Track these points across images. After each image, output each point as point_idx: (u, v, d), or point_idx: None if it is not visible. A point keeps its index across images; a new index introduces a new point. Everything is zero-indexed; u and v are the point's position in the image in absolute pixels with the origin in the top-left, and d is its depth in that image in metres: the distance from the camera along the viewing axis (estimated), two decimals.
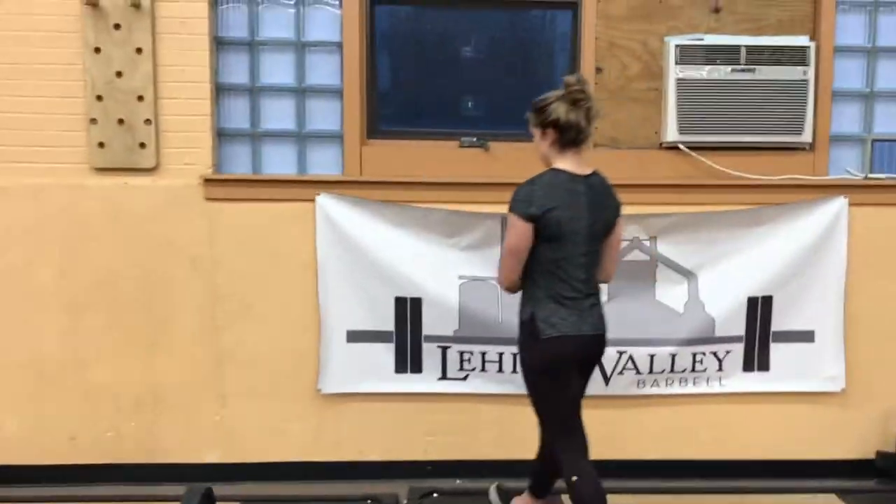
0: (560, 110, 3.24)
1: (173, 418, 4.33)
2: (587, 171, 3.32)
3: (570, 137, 3.27)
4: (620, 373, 4.30)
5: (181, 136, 4.23)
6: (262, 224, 4.28)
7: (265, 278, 4.30)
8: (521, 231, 3.22)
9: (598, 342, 3.39)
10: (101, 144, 4.19)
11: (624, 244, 4.20)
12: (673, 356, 4.30)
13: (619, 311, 4.16)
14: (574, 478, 3.31)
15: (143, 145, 4.21)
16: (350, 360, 4.26)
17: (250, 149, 4.39)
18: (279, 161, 4.41)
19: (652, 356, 4.30)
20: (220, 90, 4.33)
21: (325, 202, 4.20)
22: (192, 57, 4.20)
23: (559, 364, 3.30)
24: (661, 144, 4.36)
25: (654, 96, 4.35)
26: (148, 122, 4.19)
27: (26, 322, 4.25)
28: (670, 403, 4.41)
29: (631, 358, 4.29)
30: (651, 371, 4.31)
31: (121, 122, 4.17)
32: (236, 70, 4.35)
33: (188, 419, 4.34)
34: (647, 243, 4.28)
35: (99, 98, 4.16)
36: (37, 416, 4.29)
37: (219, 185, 4.25)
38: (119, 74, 4.16)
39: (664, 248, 4.29)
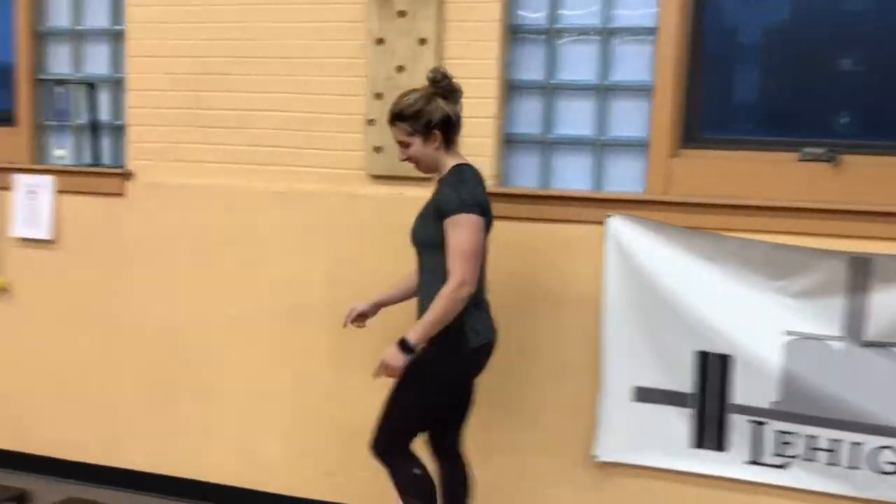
0: (442, 107, 3.10)
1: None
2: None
3: (455, 132, 3.15)
4: None
5: (463, 141, 3.67)
6: (542, 249, 3.58)
7: (540, 313, 3.59)
8: (480, 228, 3.03)
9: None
10: (377, 149, 3.75)
11: None
12: None
13: None
14: (417, 470, 3.22)
15: None
16: (635, 424, 3.41)
17: (539, 158, 3.74)
18: (572, 173, 3.68)
19: None
20: (511, 88, 3.73)
21: (618, 226, 3.41)
22: (480, 49, 3.62)
23: (474, 374, 3.23)
24: None
25: None
26: None
27: (293, 340, 3.92)
28: None
29: None
30: None
31: None
32: (530, 64, 3.70)
33: None
34: None
35: (378, 96, 3.72)
36: (296, 445, 3.95)
37: (497, 200, 3.56)
38: (400, 69, 3.69)
39: None
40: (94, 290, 4.17)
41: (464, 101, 3.64)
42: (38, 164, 4.31)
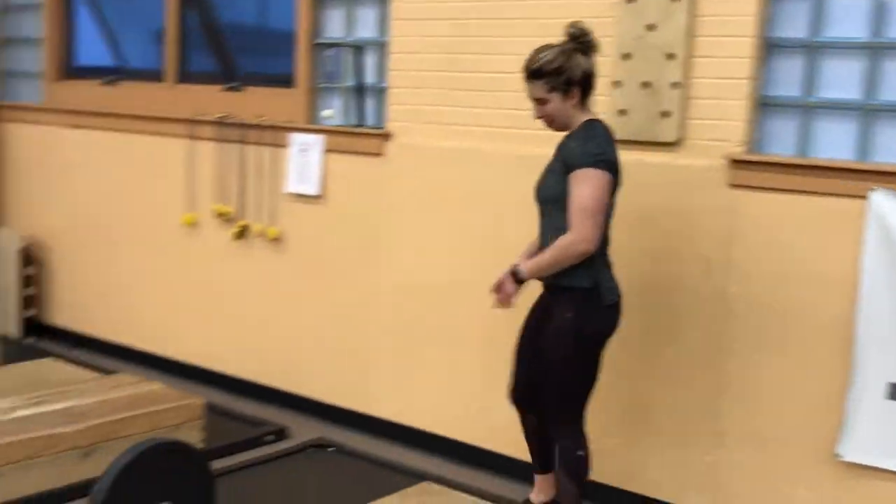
0: (582, 63, 3.04)
1: (660, 446, 3.59)
2: None
3: (592, 89, 3.10)
4: None
5: (711, 104, 3.43)
6: (794, 223, 3.27)
7: (788, 293, 3.28)
8: (607, 185, 2.98)
9: None
10: (621, 112, 3.60)
11: None
12: None
13: None
14: (581, 452, 3.20)
15: (665, 114, 3.52)
16: (888, 424, 3.03)
17: (798, 123, 3.39)
18: (834, 141, 3.31)
19: None
20: (770, 47, 3.42)
21: (884, 201, 3.03)
22: (738, 4, 3.34)
23: (613, 331, 3.16)
24: None
25: None
26: (675, 85, 3.49)
27: (530, 304, 3.87)
28: None
29: None
30: None
31: (645, 85, 3.54)
32: (793, 20, 3.35)
33: (678, 451, 3.55)
34: None
35: (626, 57, 3.57)
36: None
37: (746, 168, 3.35)
38: (650, 28, 3.51)
39: None
40: (353, 244, 4.40)
41: (716, 60, 3.45)
42: (310, 124, 4.61)
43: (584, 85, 3.06)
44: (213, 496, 3.12)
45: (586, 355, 3.12)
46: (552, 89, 3.04)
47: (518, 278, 3.10)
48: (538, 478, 3.47)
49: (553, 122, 3.13)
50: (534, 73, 3.05)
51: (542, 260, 3.05)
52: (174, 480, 2.99)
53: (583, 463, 3.19)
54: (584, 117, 3.09)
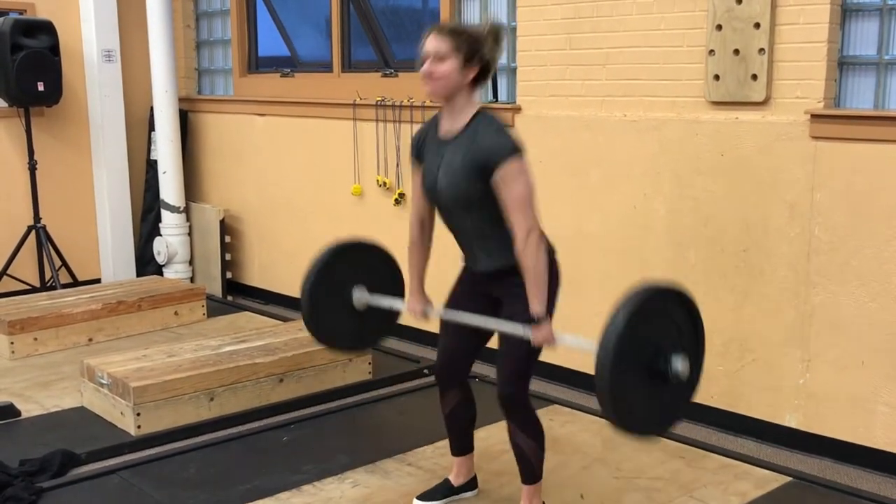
0: (490, 50, 2.98)
1: (757, 371, 4.07)
2: None
3: (485, 77, 3.03)
4: None
5: (794, 66, 3.84)
6: (872, 169, 3.66)
7: (866, 233, 3.69)
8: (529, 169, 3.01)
9: None
10: (716, 77, 4.06)
11: None
12: None
13: None
14: (536, 416, 3.21)
15: (754, 77, 3.95)
16: None
17: (874, 79, 3.76)
18: None
19: None
20: (847, 12, 3.78)
21: None
22: None
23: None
24: None
25: None
26: (762, 51, 3.91)
27: (639, 250, 4.43)
28: None
29: None
30: None
31: (736, 52, 3.98)
32: None
33: (771, 375, 4.02)
34: None
35: (718, 28, 4.02)
36: None
37: (826, 121, 3.76)
38: (739, 1, 3.95)
39: None
40: None
41: (798, 27, 3.86)
42: None
43: (482, 68, 3.00)
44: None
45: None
46: (456, 50, 2.94)
47: (542, 322, 2.99)
48: (458, 460, 3.48)
49: (435, 84, 2.98)
50: (450, 29, 2.99)
51: (534, 287, 3.00)
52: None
53: (541, 426, 3.22)
54: (473, 106, 3.04)
